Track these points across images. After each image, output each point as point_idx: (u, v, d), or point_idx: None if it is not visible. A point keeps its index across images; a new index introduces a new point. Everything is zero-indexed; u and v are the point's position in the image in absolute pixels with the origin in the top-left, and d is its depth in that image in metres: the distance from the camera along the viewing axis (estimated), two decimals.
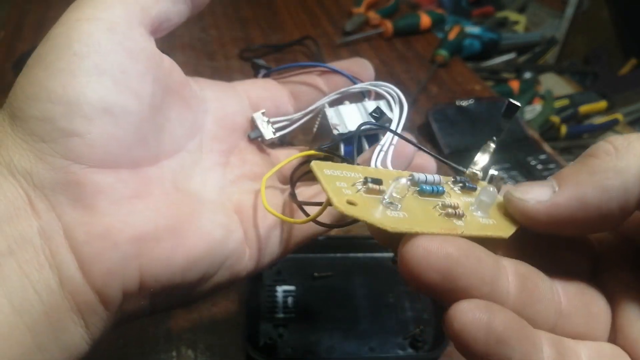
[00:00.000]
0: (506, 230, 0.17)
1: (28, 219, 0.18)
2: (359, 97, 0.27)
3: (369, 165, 0.20)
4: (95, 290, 0.18)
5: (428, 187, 0.17)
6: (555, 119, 0.93)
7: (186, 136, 0.23)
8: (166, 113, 0.22)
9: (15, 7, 0.79)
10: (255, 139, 0.26)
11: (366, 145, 0.25)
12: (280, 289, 0.41)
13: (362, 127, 0.23)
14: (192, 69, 0.67)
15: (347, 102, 0.26)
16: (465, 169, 0.20)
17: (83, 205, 0.18)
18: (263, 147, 0.27)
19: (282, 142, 0.28)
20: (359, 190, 0.16)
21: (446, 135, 0.61)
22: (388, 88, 0.25)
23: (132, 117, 0.19)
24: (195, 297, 0.22)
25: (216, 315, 0.40)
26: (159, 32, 0.22)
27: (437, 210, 0.16)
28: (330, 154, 0.24)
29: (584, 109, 0.98)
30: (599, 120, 0.99)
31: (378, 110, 0.24)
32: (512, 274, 0.16)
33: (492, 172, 0.19)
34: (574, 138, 0.95)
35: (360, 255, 0.44)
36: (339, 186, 0.16)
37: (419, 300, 0.41)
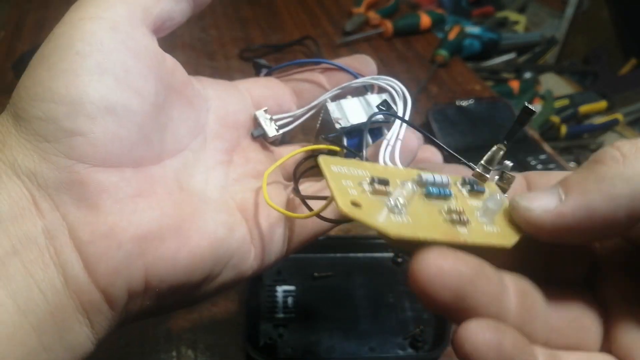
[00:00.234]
0: (509, 238, 0.17)
1: (32, 219, 0.18)
2: (361, 91, 0.27)
3: (376, 160, 0.20)
4: (100, 289, 0.18)
5: (435, 190, 0.17)
6: (555, 119, 0.93)
7: (189, 135, 0.23)
8: (169, 112, 0.22)
9: (15, 7, 0.79)
10: (259, 137, 0.26)
11: (370, 140, 0.25)
12: (280, 289, 0.41)
13: (372, 119, 0.23)
14: (192, 69, 0.67)
15: (349, 96, 0.26)
16: (474, 166, 0.19)
17: (87, 205, 0.18)
18: (266, 144, 0.27)
19: (284, 141, 0.28)
20: (364, 191, 0.16)
21: (446, 135, 0.61)
22: (391, 82, 0.25)
23: (135, 116, 0.19)
24: (201, 296, 0.22)
25: (216, 315, 0.40)
26: (161, 31, 0.22)
27: (442, 215, 0.16)
28: (336, 146, 0.24)
29: (584, 109, 0.98)
30: (599, 120, 0.99)
31: (385, 103, 0.24)
32: (514, 291, 0.16)
33: (507, 163, 0.19)
34: (574, 138, 0.95)
35: (360, 255, 0.44)
36: (345, 185, 0.15)
37: (419, 300, 0.41)
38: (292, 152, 0.25)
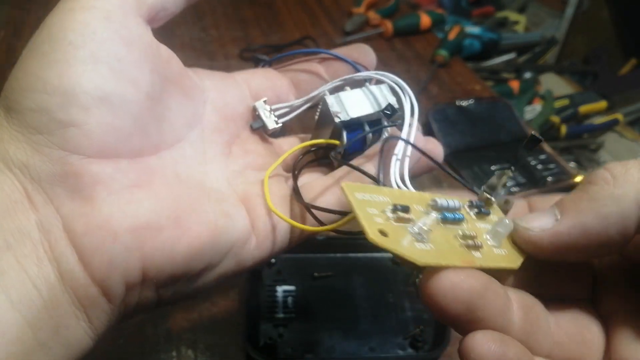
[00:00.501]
0: (515, 260, 0.18)
1: (26, 213, 0.17)
2: (360, 82, 0.26)
3: (389, 179, 0.21)
4: (96, 282, 0.18)
5: (450, 215, 0.18)
6: (555, 119, 0.93)
7: (187, 126, 0.23)
8: (166, 102, 0.21)
9: (15, 7, 0.79)
10: (258, 129, 0.26)
11: (368, 129, 0.24)
12: (280, 289, 0.41)
13: (374, 129, 0.23)
14: None
15: (347, 88, 0.25)
16: (478, 191, 0.20)
17: (81, 197, 0.18)
18: (265, 136, 0.26)
19: (282, 133, 0.28)
20: (388, 218, 0.16)
21: (446, 135, 0.61)
22: (394, 81, 0.25)
23: (130, 106, 0.19)
24: (202, 287, 0.21)
25: (216, 315, 0.40)
26: (155, 21, 0.21)
27: (458, 240, 0.17)
28: (336, 140, 0.24)
29: (584, 109, 0.98)
30: (599, 120, 0.99)
31: (390, 107, 0.24)
32: (517, 305, 0.17)
33: (509, 188, 0.20)
34: (574, 138, 0.95)
35: (360, 255, 0.44)
36: (370, 213, 0.16)
37: (419, 300, 0.41)
38: (293, 149, 0.24)
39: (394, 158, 0.21)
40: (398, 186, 0.20)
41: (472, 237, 0.17)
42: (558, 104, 0.98)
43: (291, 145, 0.27)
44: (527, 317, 0.17)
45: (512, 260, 0.18)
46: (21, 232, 0.17)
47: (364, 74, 0.26)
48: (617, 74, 1.26)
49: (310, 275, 0.42)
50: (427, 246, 0.16)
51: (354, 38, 0.78)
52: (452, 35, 0.78)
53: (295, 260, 0.43)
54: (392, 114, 0.24)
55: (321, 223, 0.22)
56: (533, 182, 0.56)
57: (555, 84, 1.14)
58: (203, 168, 0.23)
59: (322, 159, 0.26)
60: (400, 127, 0.24)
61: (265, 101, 0.26)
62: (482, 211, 0.19)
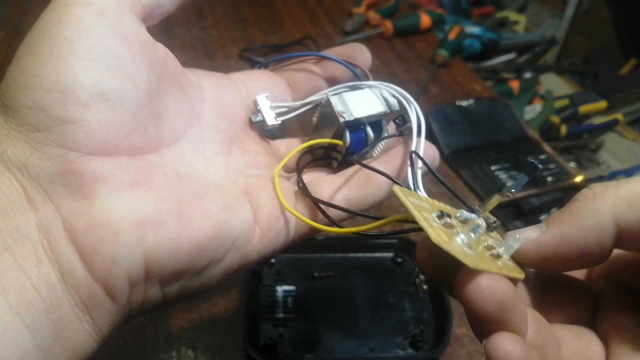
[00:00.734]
0: (521, 271, 0.19)
1: (24, 212, 0.17)
2: (355, 79, 0.27)
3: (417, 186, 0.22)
4: (99, 281, 0.18)
5: (475, 228, 0.19)
6: (555, 119, 0.93)
7: (185, 124, 0.23)
8: (163, 100, 0.21)
9: (15, 7, 0.79)
10: (257, 123, 0.26)
11: (370, 132, 0.25)
12: (280, 289, 0.41)
13: (380, 139, 0.24)
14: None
15: (348, 89, 0.26)
16: (476, 207, 0.21)
17: (82, 195, 0.18)
18: (263, 137, 0.26)
19: (281, 135, 0.28)
20: (439, 224, 0.17)
21: (446, 135, 0.61)
22: (397, 92, 0.25)
23: (129, 103, 0.19)
24: (207, 283, 0.21)
25: (216, 315, 0.40)
26: (150, 19, 0.21)
27: (485, 251, 0.18)
28: (339, 140, 0.24)
29: (584, 109, 0.98)
30: (599, 120, 0.99)
31: (401, 118, 0.25)
32: (531, 319, 0.18)
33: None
34: (574, 138, 0.95)
35: (360, 255, 0.44)
36: (428, 217, 0.17)
37: (419, 300, 0.41)
38: (298, 147, 0.24)
39: (409, 170, 0.22)
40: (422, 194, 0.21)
41: (494, 247, 0.19)
42: (558, 104, 0.98)
43: (289, 147, 0.27)
44: (539, 331, 0.18)
45: (519, 270, 0.19)
46: (20, 232, 0.17)
47: (366, 83, 0.26)
48: (617, 74, 1.26)
49: (310, 275, 0.42)
50: (471, 252, 0.17)
51: (354, 38, 0.78)
52: (452, 35, 0.78)
53: (295, 260, 0.43)
54: (403, 124, 0.24)
55: (332, 221, 0.22)
56: (533, 182, 0.56)
57: (555, 84, 1.14)
58: (203, 165, 0.22)
59: (321, 159, 0.26)
60: (408, 137, 0.24)
61: (267, 96, 0.26)
62: (489, 227, 0.20)
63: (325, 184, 0.24)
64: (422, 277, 0.42)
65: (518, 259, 0.19)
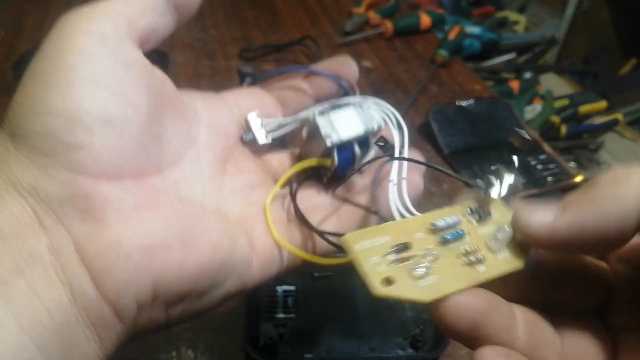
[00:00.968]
0: (520, 260, 0.18)
1: (36, 235, 0.17)
2: (344, 94, 0.27)
3: (388, 209, 0.21)
4: (109, 302, 0.18)
5: (450, 236, 0.18)
6: (555, 119, 0.93)
7: (184, 146, 0.23)
8: (163, 123, 0.22)
9: (15, 7, 0.79)
10: (249, 141, 0.26)
11: (357, 150, 0.25)
12: (280, 289, 0.41)
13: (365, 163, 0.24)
14: (192, 69, 0.67)
15: (334, 107, 0.26)
16: (477, 185, 0.20)
17: (92, 218, 0.18)
18: (256, 153, 0.27)
19: (279, 145, 0.28)
20: (390, 262, 0.17)
21: (446, 135, 0.61)
22: (384, 109, 0.25)
23: (132, 127, 0.20)
24: (208, 306, 0.22)
25: (216, 315, 0.40)
26: (146, 44, 0.22)
27: (461, 259, 0.18)
28: (327, 160, 0.24)
29: (584, 109, 0.98)
30: (599, 120, 0.99)
31: (382, 139, 0.25)
32: (522, 321, 0.18)
33: (508, 179, 0.20)
34: (574, 138, 0.95)
35: None
36: (372, 264, 0.17)
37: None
38: (288, 172, 0.25)
39: (390, 185, 0.22)
40: (401, 214, 0.21)
41: (475, 252, 0.18)
42: (558, 104, 0.98)
43: (280, 160, 0.27)
44: (532, 332, 0.18)
45: (517, 260, 0.18)
46: (32, 255, 0.17)
47: (353, 99, 0.26)
48: (617, 74, 1.26)
49: (310, 275, 0.42)
50: (432, 280, 0.17)
51: (354, 38, 0.78)
52: (452, 35, 0.78)
53: None
54: (385, 146, 0.25)
55: (333, 244, 0.23)
56: (533, 182, 0.56)
57: (555, 84, 1.14)
58: (201, 188, 0.23)
59: (311, 175, 0.26)
60: (392, 153, 0.24)
61: (257, 114, 0.26)
62: (482, 217, 0.20)
63: (317, 212, 0.24)
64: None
65: (529, 241, 0.18)
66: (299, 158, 0.27)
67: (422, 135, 0.62)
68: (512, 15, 1.41)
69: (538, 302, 0.19)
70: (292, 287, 0.41)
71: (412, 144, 0.24)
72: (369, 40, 0.79)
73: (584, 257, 0.20)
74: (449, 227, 0.19)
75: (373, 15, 0.82)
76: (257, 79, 0.29)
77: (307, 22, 0.82)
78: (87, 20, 0.20)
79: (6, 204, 0.17)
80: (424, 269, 0.17)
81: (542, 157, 0.60)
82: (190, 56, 0.70)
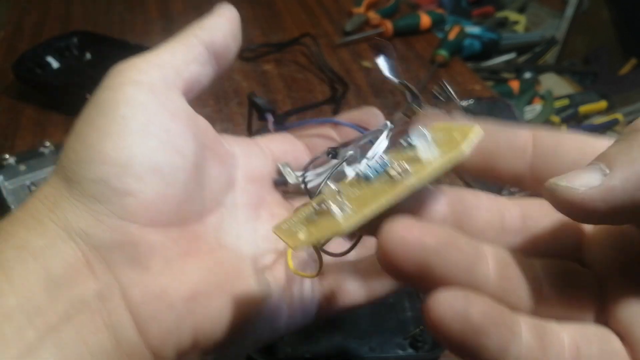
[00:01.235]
0: (460, 148, 0.15)
1: (86, 282, 0.18)
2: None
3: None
4: (151, 350, 0.18)
5: (370, 172, 0.16)
6: (555, 119, 0.93)
7: (223, 191, 0.23)
8: (206, 170, 0.22)
9: (15, 7, 0.79)
10: (281, 184, 0.27)
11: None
12: None
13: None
14: None
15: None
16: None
17: (138, 265, 0.19)
18: (286, 197, 0.27)
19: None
20: (309, 218, 0.17)
21: None
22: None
23: (179, 175, 0.20)
24: (238, 352, 0.22)
25: None
26: (190, 93, 0.23)
27: (386, 183, 0.16)
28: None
29: (584, 109, 0.98)
30: (599, 120, 0.99)
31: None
32: (493, 260, 0.15)
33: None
34: None
35: None
36: (287, 228, 0.17)
37: (419, 300, 0.41)
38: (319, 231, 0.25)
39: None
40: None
41: (398, 171, 0.15)
42: (558, 104, 0.98)
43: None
44: (504, 273, 0.15)
45: (455, 150, 0.15)
46: (81, 301, 0.17)
47: (370, 134, 0.26)
48: (617, 74, 1.26)
49: None
50: (348, 209, 0.15)
51: (354, 38, 0.78)
52: (452, 35, 0.78)
53: None
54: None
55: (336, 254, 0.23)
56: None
57: (555, 84, 1.14)
58: (237, 232, 0.23)
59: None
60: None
61: (287, 164, 0.27)
62: (410, 142, 0.17)
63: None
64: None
65: (575, 214, 0.15)
66: None
67: None
68: (512, 15, 1.41)
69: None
70: None
71: None
72: (369, 40, 0.79)
73: (566, 262, 0.18)
74: (370, 168, 0.17)
75: (373, 15, 0.82)
76: (285, 128, 0.30)
77: (307, 22, 0.82)
78: (137, 71, 0.21)
79: (59, 249, 0.18)
80: (340, 205, 0.15)
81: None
82: None
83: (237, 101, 0.63)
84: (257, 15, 0.83)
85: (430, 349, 0.38)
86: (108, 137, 0.19)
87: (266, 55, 0.72)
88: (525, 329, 0.15)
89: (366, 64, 0.73)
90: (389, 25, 0.79)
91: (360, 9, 0.84)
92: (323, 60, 0.70)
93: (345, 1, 0.89)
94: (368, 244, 0.24)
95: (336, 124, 0.29)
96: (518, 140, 0.17)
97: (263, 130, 0.52)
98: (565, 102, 0.99)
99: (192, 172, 0.21)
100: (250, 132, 0.48)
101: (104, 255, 0.18)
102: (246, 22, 0.85)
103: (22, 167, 0.45)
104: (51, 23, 0.76)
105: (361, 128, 0.28)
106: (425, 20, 0.82)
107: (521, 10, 1.47)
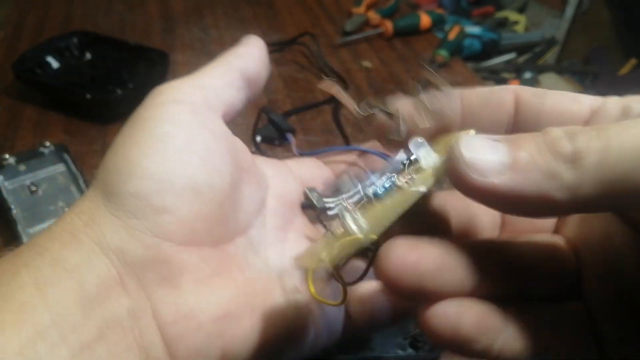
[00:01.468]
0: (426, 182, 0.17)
1: (119, 299, 0.18)
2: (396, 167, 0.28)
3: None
4: None
5: (379, 190, 0.17)
6: None
7: (255, 212, 0.24)
8: (241, 191, 0.22)
9: (15, 7, 0.79)
10: (307, 208, 0.27)
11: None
12: None
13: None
14: (192, 69, 0.67)
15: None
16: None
17: (170, 284, 0.19)
18: (312, 221, 0.27)
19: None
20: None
21: None
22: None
23: (216, 195, 0.20)
24: None
25: None
26: (226, 117, 0.23)
27: (396, 195, 0.17)
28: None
29: None
30: None
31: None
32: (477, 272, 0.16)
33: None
34: None
35: None
36: (311, 255, 0.17)
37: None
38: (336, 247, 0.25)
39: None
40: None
41: (407, 180, 0.17)
42: None
43: None
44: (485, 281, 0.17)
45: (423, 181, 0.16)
46: (114, 319, 0.17)
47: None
48: (617, 74, 1.26)
49: None
50: (364, 225, 0.16)
51: (354, 38, 0.78)
52: (452, 35, 0.78)
53: None
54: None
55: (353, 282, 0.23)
56: None
57: (555, 84, 1.14)
58: (265, 254, 0.23)
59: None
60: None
61: (314, 189, 0.27)
62: (412, 162, 0.18)
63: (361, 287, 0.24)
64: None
65: (464, 188, 0.15)
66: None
67: None
68: (512, 15, 1.41)
69: (504, 293, 0.17)
70: None
71: None
72: (369, 40, 0.79)
73: (542, 241, 0.19)
74: (378, 186, 0.17)
75: (373, 15, 0.82)
76: (310, 154, 0.31)
77: (307, 22, 0.82)
78: (179, 92, 0.21)
79: (93, 265, 0.18)
80: (356, 223, 0.16)
81: None
82: (190, 56, 0.70)
83: None
84: (257, 15, 0.83)
85: (430, 349, 0.38)
86: (150, 153, 0.19)
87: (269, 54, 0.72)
88: (512, 327, 0.16)
89: (366, 64, 0.73)
90: (389, 25, 0.79)
91: (360, 9, 0.84)
92: (323, 60, 0.70)
93: (345, 1, 0.89)
94: None
95: (362, 152, 0.29)
96: (501, 96, 0.18)
97: (264, 130, 0.53)
98: None
99: (229, 192, 0.21)
100: (255, 143, 0.48)
101: (137, 272, 0.18)
102: (246, 22, 0.85)
103: (22, 167, 0.45)
104: (51, 23, 0.76)
105: (386, 155, 0.28)
106: (425, 20, 0.82)
107: (521, 10, 1.47)
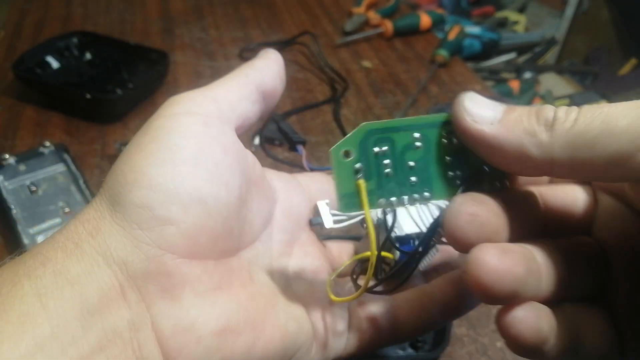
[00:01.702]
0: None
1: (119, 311, 0.18)
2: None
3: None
4: None
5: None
6: None
7: (262, 226, 0.23)
8: (249, 204, 0.22)
9: (15, 7, 0.79)
10: (316, 226, 0.26)
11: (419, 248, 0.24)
12: None
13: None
14: (192, 69, 0.67)
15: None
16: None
17: (170, 297, 0.19)
18: (319, 238, 0.27)
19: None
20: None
21: None
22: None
23: (222, 208, 0.20)
24: None
25: None
26: (240, 129, 0.23)
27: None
28: (389, 253, 0.24)
29: None
30: None
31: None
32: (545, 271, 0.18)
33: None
34: None
35: None
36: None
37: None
38: (345, 262, 0.25)
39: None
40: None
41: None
42: (558, 104, 0.98)
43: (340, 249, 0.28)
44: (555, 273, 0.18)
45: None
46: (114, 331, 0.17)
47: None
48: (617, 74, 1.26)
49: None
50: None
51: (354, 38, 0.78)
52: (452, 35, 0.78)
53: None
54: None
55: (385, 292, 0.23)
56: None
57: (555, 84, 1.14)
58: (270, 268, 0.23)
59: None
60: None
61: (327, 203, 0.26)
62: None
63: (373, 305, 0.24)
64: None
65: (468, 141, 0.18)
66: (356, 252, 0.27)
67: None
68: (512, 15, 1.41)
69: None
70: None
71: None
72: (369, 40, 0.79)
73: (578, 238, 0.20)
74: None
75: (373, 15, 0.82)
76: (320, 170, 0.31)
77: (307, 22, 0.82)
78: (193, 103, 0.21)
79: (95, 277, 0.18)
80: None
81: None
82: (190, 56, 0.70)
83: None
84: (257, 15, 0.83)
85: (430, 348, 0.38)
86: (158, 164, 0.19)
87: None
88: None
89: (366, 64, 0.73)
90: (389, 25, 0.79)
91: (360, 9, 0.84)
92: (323, 60, 0.70)
93: (345, 1, 0.89)
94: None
95: None
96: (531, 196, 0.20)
97: (265, 130, 0.53)
98: (565, 102, 0.99)
99: (236, 206, 0.21)
100: (259, 143, 0.48)
101: (138, 284, 0.18)
102: (246, 22, 0.85)
103: (22, 167, 0.45)
104: (51, 23, 0.76)
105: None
106: (425, 20, 0.82)
107: (521, 10, 1.47)
